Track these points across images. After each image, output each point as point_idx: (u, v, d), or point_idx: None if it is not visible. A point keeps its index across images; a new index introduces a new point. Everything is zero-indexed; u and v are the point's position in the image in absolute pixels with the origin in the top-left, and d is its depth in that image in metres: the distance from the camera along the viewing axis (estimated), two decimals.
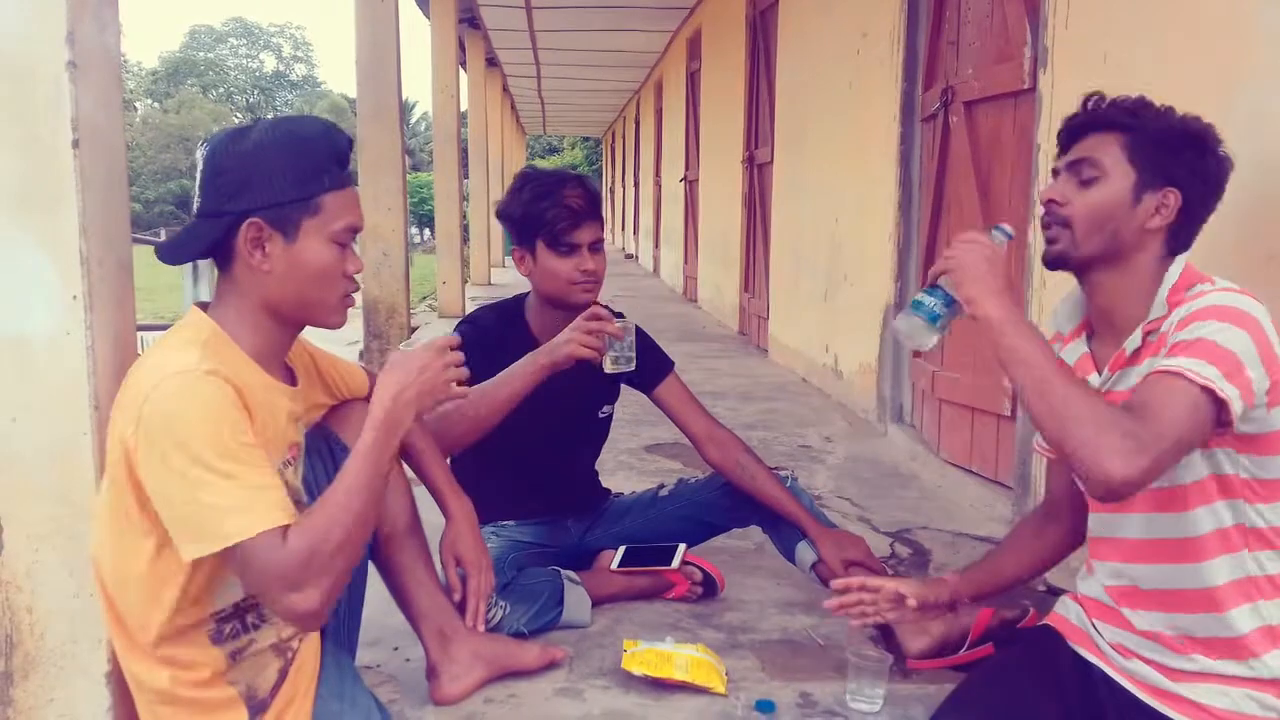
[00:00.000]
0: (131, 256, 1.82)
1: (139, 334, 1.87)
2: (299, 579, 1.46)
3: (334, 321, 1.68)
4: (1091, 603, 1.70)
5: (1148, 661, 1.59)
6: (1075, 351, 1.70)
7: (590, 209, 2.39)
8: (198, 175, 1.60)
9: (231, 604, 1.61)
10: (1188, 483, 1.52)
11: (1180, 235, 1.60)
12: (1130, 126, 1.60)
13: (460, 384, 1.74)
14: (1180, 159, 1.58)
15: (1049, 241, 1.65)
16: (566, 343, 2.22)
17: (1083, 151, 1.62)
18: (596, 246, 2.39)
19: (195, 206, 1.61)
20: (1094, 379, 1.63)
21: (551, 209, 2.34)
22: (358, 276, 1.69)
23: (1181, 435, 1.38)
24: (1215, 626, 1.53)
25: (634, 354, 2.26)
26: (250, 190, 1.56)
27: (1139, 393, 1.44)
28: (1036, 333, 1.50)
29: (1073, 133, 1.67)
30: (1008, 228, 1.67)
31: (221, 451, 1.45)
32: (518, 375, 2.25)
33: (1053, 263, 1.65)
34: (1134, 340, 1.57)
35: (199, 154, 1.60)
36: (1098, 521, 1.69)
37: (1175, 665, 1.56)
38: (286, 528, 1.47)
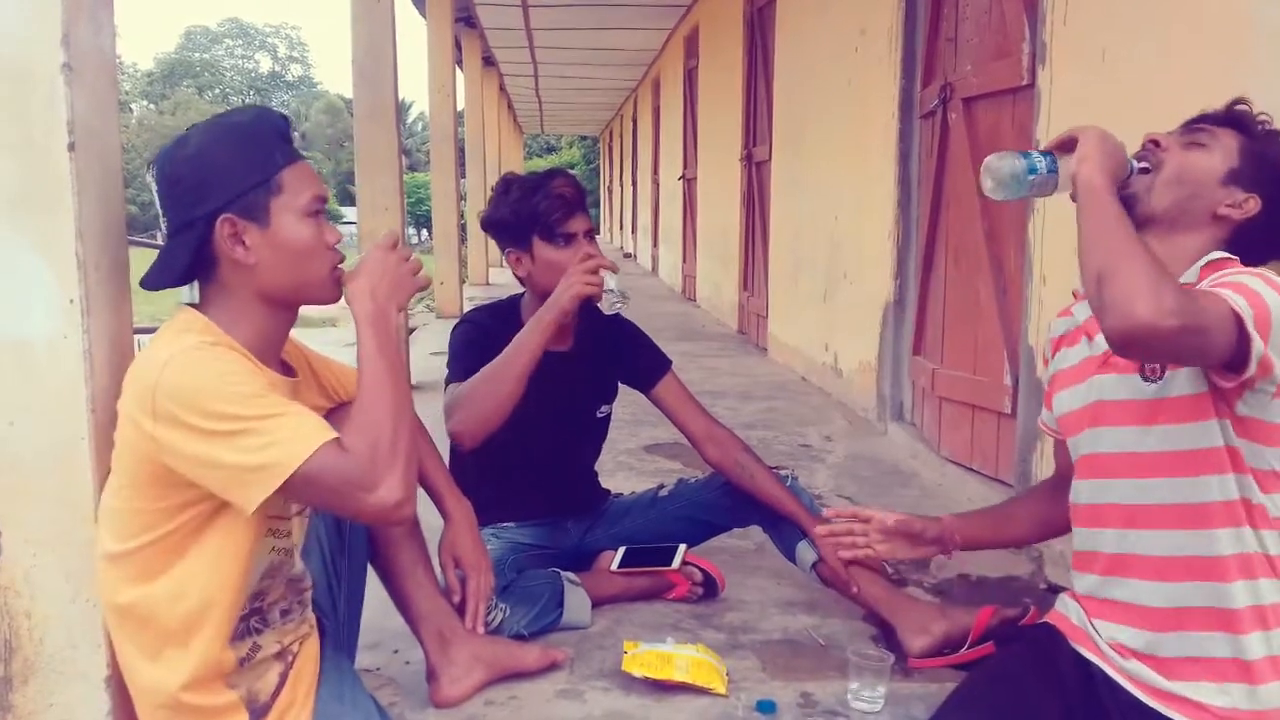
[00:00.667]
0: (128, 259, 1.81)
1: (136, 337, 1.86)
2: (373, 477, 1.49)
3: (329, 296, 1.68)
4: (1090, 601, 1.69)
5: (1145, 660, 1.58)
6: (1084, 310, 1.71)
7: (580, 198, 2.41)
8: (156, 197, 1.61)
9: (250, 605, 1.61)
10: (1195, 448, 1.53)
11: (1239, 240, 1.62)
12: (1257, 136, 1.65)
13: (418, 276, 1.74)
14: (1269, 150, 1.62)
15: (1143, 173, 1.67)
16: (569, 288, 2.24)
17: (1204, 127, 1.67)
18: (590, 235, 2.40)
19: (164, 227, 1.61)
20: (1100, 340, 1.64)
21: (543, 201, 2.35)
22: (340, 247, 1.68)
23: (1210, 326, 1.38)
24: (1212, 597, 1.53)
25: (628, 293, 2.27)
26: (210, 189, 1.57)
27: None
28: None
29: (1204, 120, 1.70)
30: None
31: (246, 402, 1.46)
32: (531, 336, 2.26)
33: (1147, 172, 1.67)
34: None
35: (149, 177, 1.61)
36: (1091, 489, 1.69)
37: (1167, 653, 1.56)
38: (338, 440, 1.49)
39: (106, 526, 1.59)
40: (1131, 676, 1.59)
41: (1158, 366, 1.57)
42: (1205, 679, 1.53)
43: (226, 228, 1.56)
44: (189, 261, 1.59)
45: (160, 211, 1.61)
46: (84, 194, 1.62)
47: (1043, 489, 2.02)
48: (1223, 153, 1.63)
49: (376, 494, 1.49)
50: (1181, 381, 1.54)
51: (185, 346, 1.49)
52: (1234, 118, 1.68)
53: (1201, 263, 1.59)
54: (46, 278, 1.62)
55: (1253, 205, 1.60)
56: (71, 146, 1.60)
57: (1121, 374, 1.62)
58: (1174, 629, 1.56)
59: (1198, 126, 1.67)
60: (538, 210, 2.35)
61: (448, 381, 2.37)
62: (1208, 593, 1.53)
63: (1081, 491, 1.71)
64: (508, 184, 2.45)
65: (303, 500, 1.58)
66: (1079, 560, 1.72)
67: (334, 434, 1.50)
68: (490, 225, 2.46)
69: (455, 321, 2.55)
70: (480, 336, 2.41)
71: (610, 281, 2.26)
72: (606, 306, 2.29)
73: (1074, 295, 1.82)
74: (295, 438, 1.46)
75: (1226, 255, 1.60)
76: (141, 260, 1.99)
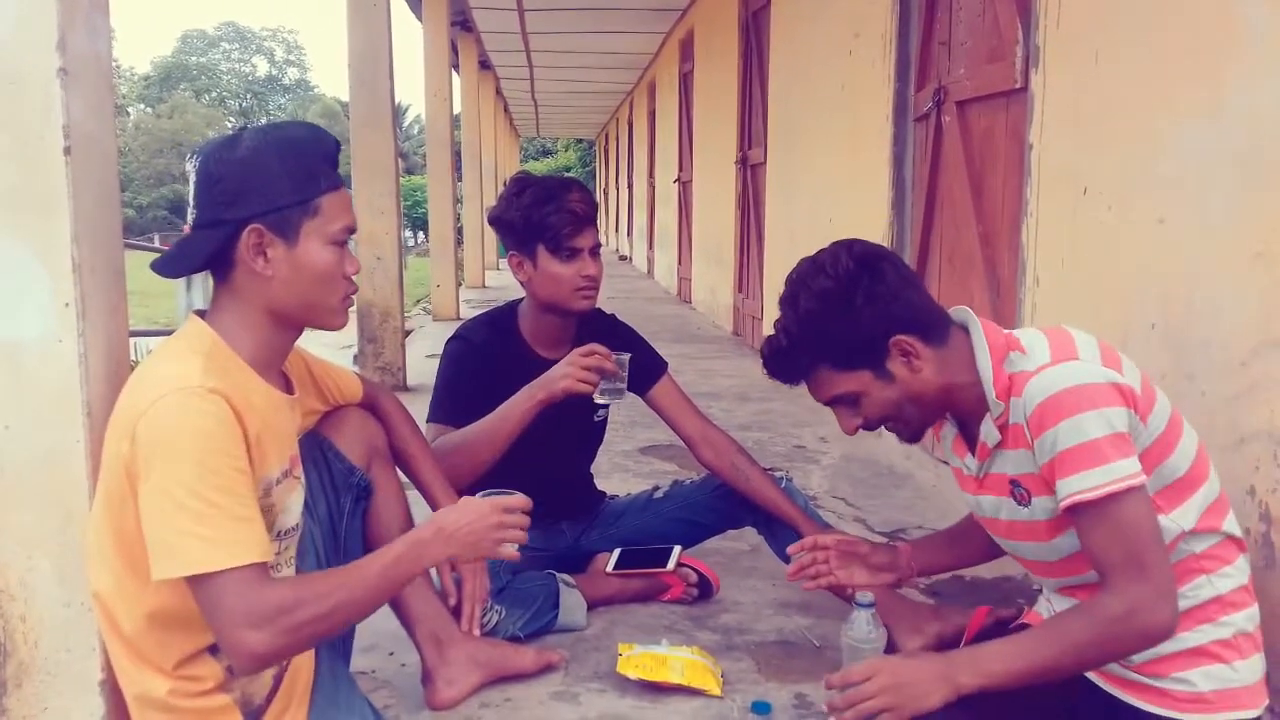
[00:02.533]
0: (124, 263, 1.82)
1: (133, 340, 1.87)
2: (264, 622, 1.44)
3: (336, 323, 1.70)
4: (1059, 600, 1.72)
5: None
6: (949, 435, 1.79)
7: (592, 214, 2.40)
8: (191, 187, 1.60)
9: None
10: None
11: (931, 331, 1.65)
12: (817, 357, 1.68)
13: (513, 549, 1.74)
14: (858, 325, 1.63)
15: (901, 438, 1.75)
16: (563, 377, 2.24)
17: (822, 393, 1.71)
18: (595, 251, 2.40)
19: (191, 218, 1.61)
20: (970, 461, 1.72)
21: (554, 214, 2.34)
22: (355, 278, 1.69)
23: (1152, 534, 1.47)
24: None
25: (625, 385, 2.27)
26: (248, 197, 1.56)
27: (1092, 544, 1.50)
28: (999, 652, 1.53)
29: (790, 383, 1.75)
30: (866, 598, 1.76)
31: (209, 478, 1.44)
32: (515, 410, 2.28)
33: (915, 440, 1.77)
34: (991, 434, 1.64)
35: (189, 166, 1.60)
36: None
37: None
38: (264, 565, 1.47)
39: (94, 557, 1.59)
40: (1101, 670, 1.63)
41: (1025, 493, 1.62)
42: (1167, 668, 1.56)
43: (253, 237, 1.57)
44: (207, 258, 1.60)
45: (191, 202, 1.61)
46: (80, 198, 1.63)
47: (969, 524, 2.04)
48: (856, 384, 1.66)
49: (249, 635, 1.44)
50: (1047, 505, 1.59)
51: (185, 384, 1.47)
52: (791, 370, 1.72)
53: (990, 392, 1.61)
54: (42, 281, 1.62)
55: (903, 345, 1.63)
56: (67, 151, 1.60)
57: (999, 497, 1.69)
58: None
59: (831, 401, 1.71)
60: (548, 222, 2.34)
61: (431, 410, 2.35)
62: None
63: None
64: (522, 186, 2.42)
65: (193, 593, 1.49)
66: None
67: (263, 556, 1.47)
68: (498, 224, 2.45)
69: (452, 330, 2.55)
70: (471, 363, 2.40)
71: (607, 377, 2.24)
72: (598, 397, 2.27)
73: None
74: (225, 543, 1.43)
75: (989, 351, 1.62)
76: (138, 263, 1.99)
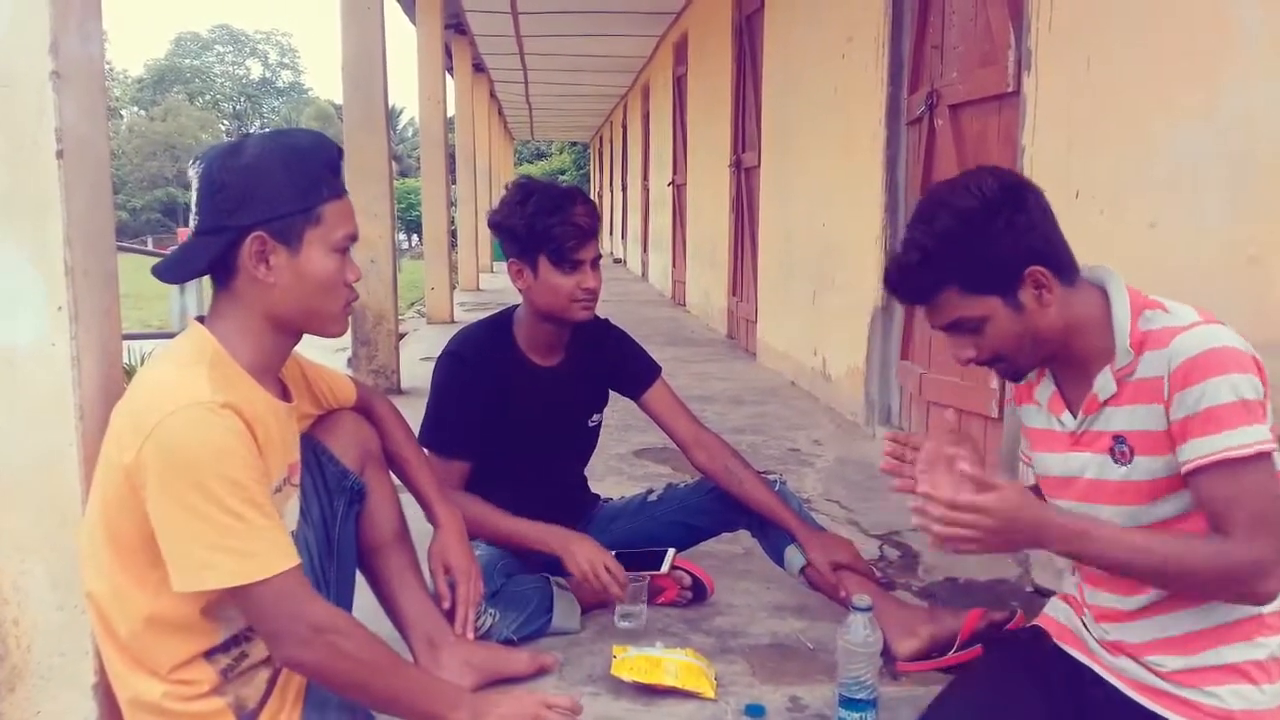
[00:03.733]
0: (117, 266, 1.82)
1: (126, 343, 1.87)
2: (309, 634, 1.52)
3: (335, 330, 1.70)
4: (1078, 602, 1.71)
5: (1132, 658, 1.59)
6: (1045, 391, 1.71)
7: (595, 226, 2.39)
8: (194, 193, 1.60)
9: (239, 630, 1.62)
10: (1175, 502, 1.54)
11: (1066, 270, 1.60)
12: (948, 277, 1.59)
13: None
14: (996, 248, 1.57)
15: (1003, 375, 1.69)
16: (576, 566, 2.30)
17: (943, 317, 1.63)
18: (596, 263, 2.39)
19: (193, 224, 1.61)
20: (1068, 419, 1.65)
21: (559, 226, 2.32)
22: (356, 285, 1.70)
23: None
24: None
25: (644, 611, 2.27)
26: (252, 204, 1.57)
27: (1224, 503, 1.44)
28: (1106, 537, 1.49)
29: (913, 303, 1.69)
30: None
31: (234, 492, 1.46)
32: (520, 532, 2.36)
33: (1018, 379, 1.71)
34: (1107, 386, 1.58)
35: (192, 171, 1.60)
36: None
37: (1159, 664, 1.56)
38: (298, 568, 1.53)
39: (89, 559, 1.59)
40: (1122, 674, 1.60)
41: (1129, 450, 1.56)
42: (1200, 680, 1.53)
43: (256, 244, 1.57)
44: (208, 263, 1.60)
45: (193, 207, 1.61)
46: (73, 201, 1.63)
47: None
48: (984, 309, 1.59)
49: (301, 645, 1.53)
50: (1151, 466, 1.54)
51: (196, 400, 1.48)
52: (920, 287, 1.64)
53: (1122, 340, 1.56)
54: (35, 284, 1.62)
55: (1036, 276, 1.56)
56: (60, 154, 1.60)
57: (1093, 454, 1.61)
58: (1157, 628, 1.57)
59: (951, 324, 1.63)
60: (553, 234, 2.32)
61: (425, 434, 2.33)
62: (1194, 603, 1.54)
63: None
64: (525, 193, 2.39)
65: (233, 602, 1.56)
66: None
67: (294, 562, 1.52)
68: (499, 230, 2.42)
69: (447, 334, 2.54)
70: (464, 386, 2.39)
71: (625, 605, 2.28)
72: (617, 621, 2.30)
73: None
74: (263, 551, 1.49)
75: (1129, 303, 1.58)
76: (132, 266, 1.99)
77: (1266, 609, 1.52)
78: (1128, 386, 1.55)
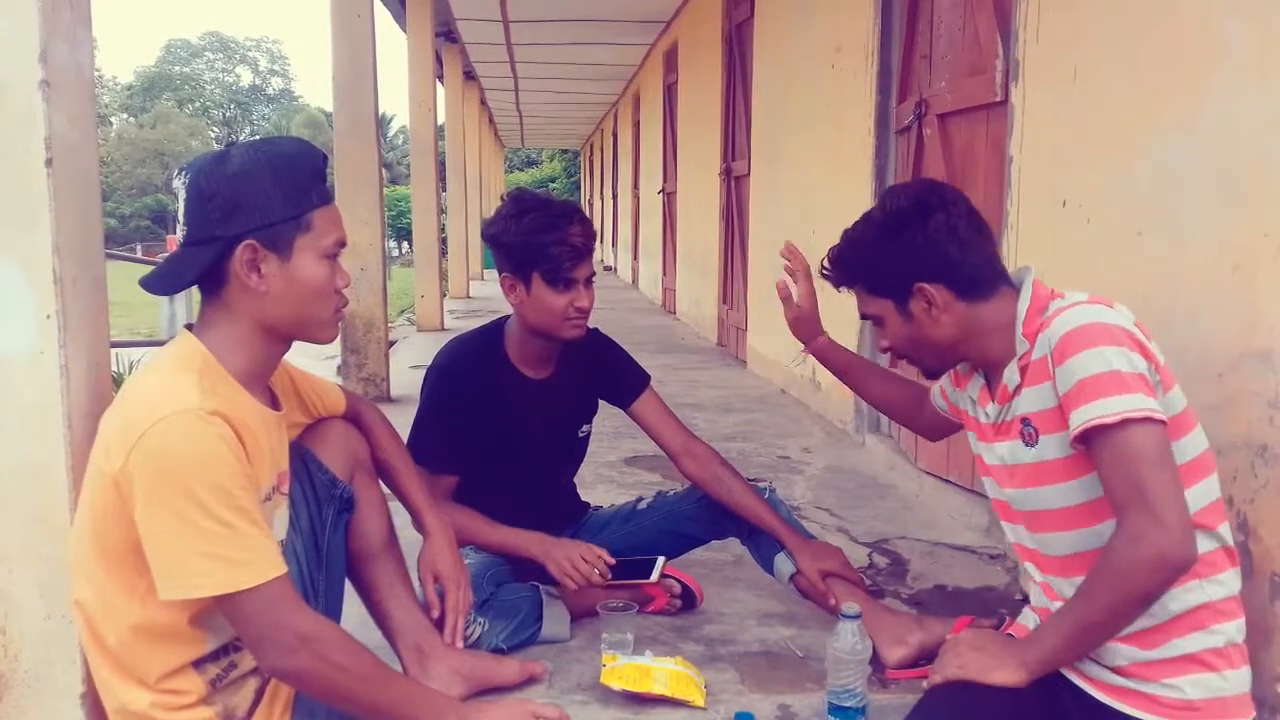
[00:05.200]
0: (105, 274, 1.81)
1: (115, 351, 1.87)
2: (295, 643, 1.52)
3: (326, 336, 1.71)
4: (1045, 613, 1.73)
5: (1097, 661, 1.63)
6: (976, 386, 1.83)
7: (592, 246, 2.38)
8: (181, 204, 1.60)
9: (227, 640, 1.62)
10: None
11: (967, 286, 1.73)
12: (854, 276, 1.85)
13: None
14: (889, 262, 1.77)
15: (926, 376, 1.91)
16: (556, 566, 2.34)
17: (860, 308, 1.87)
18: (590, 280, 2.38)
19: (181, 235, 1.61)
20: (992, 408, 1.77)
21: (556, 246, 2.30)
22: (346, 291, 1.70)
23: (1160, 465, 1.46)
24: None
25: (631, 642, 2.23)
26: (242, 213, 1.57)
27: (1105, 477, 1.52)
28: (1052, 625, 1.61)
29: (837, 287, 1.92)
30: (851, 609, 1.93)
31: (222, 499, 1.46)
32: (506, 540, 2.38)
33: (932, 377, 1.92)
34: (1013, 376, 1.70)
35: (177, 182, 1.60)
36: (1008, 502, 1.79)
37: (1110, 652, 1.60)
38: (285, 576, 1.53)
39: (76, 566, 1.59)
40: (1086, 675, 1.64)
41: (1034, 431, 1.66)
42: (1157, 674, 1.57)
43: (247, 253, 1.57)
44: (198, 274, 1.60)
45: (181, 219, 1.61)
46: (61, 209, 1.63)
47: (909, 391, 2.26)
48: (880, 309, 1.81)
49: (288, 653, 1.53)
50: (1057, 445, 1.63)
51: (185, 407, 1.48)
52: (834, 281, 1.90)
53: (1019, 329, 1.69)
54: (23, 293, 1.62)
55: (927, 293, 1.73)
56: (49, 162, 1.60)
57: (1010, 441, 1.72)
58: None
59: (865, 316, 1.87)
60: (549, 253, 2.30)
61: (413, 447, 2.25)
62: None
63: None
64: (521, 207, 2.36)
65: (221, 611, 1.55)
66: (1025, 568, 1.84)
67: (283, 570, 1.53)
68: (493, 243, 2.39)
69: (438, 342, 2.53)
70: (453, 400, 2.39)
71: (611, 628, 2.24)
72: (604, 647, 2.22)
73: (956, 376, 1.94)
74: (251, 560, 1.48)
75: (1031, 300, 1.70)
76: (121, 274, 1.99)
77: (1216, 595, 1.56)
78: (1030, 370, 1.67)
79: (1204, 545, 1.55)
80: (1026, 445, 1.68)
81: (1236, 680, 1.55)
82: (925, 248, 1.72)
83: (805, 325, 2.46)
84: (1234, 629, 1.57)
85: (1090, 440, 1.51)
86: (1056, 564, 1.69)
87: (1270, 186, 1.83)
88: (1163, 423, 1.48)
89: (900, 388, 2.30)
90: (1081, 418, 1.50)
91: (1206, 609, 1.55)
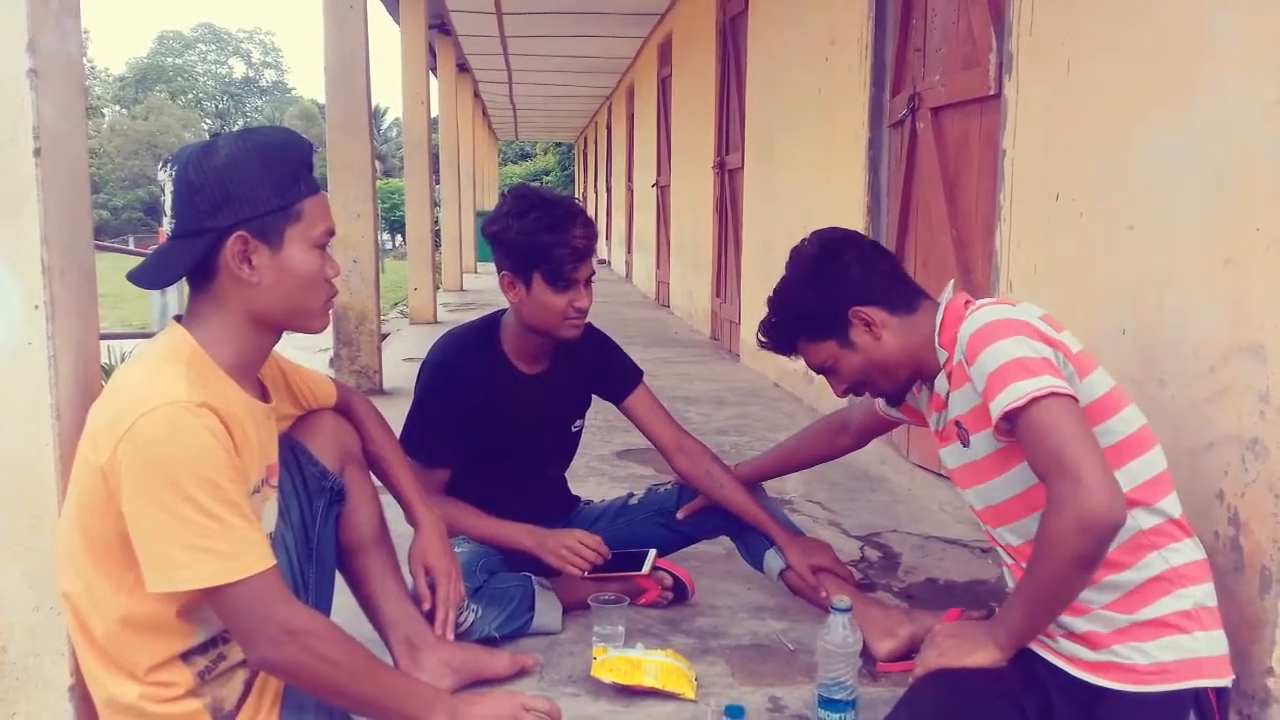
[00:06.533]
0: (94, 266, 1.80)
1: (105, 342, 1.86)
2: (282, 636, 1.51)
3: (317, 326, 1.71)
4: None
5: (1070, 637, 1.66)
6: (925, 397, 1.93)
7: (594, 247, 2.37)
8: (168, 196, 1.58)
9: (216, 632, 1.61)
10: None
11: (896, 302, 1.87)
12: (794, 332, 1.95)
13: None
14: (818, 303, 1.89)
15: (891, 403, 2.06)
16: (553, 555, 2.35)
17: (809, 361, 1.96)
18: (590, 280, 2.37)
19: (169, 228, 1.59)
20: (934, 417, 1.89)
21: (558, 248, 2.28)
22: (336, 281, 1.70)
23: (1075, 433, 1.51)
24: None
25: (622, 635, 2.23)
26: (231, 204, 1.56)
27: (1029, 459, 1.58)
28: (1011, 602, 1.65)
29: (783, 354, 2.00)
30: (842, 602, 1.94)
31: (210, 492, 1.45)
32: (499, 533, 2.39)
33: (895, 402, 2.05)
34: (942, 384, 1.83)
35: (163, 175, 1.59)
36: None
37: (1081, 628, 1.64)
38: (274, 569, 1.52)
39: (64, 558, 1.58)
40: (1063, 654, 1.67)
41: (965, 432, 1.76)
42: (1119, 640, 1.60)
43: (238, 245, 1.56)
44: (188, 267, 1.59)
45: (168, 211, 1.59)
46: (50, 200, 1.62)
47: (825, 430, 2.44)
48: (826, 353, 1.91)
49: (274, 645, 1.51)
50: (986, 443, 1.72)
51: (173, 399, 1.47)
52: (774, 349, 1.99)
53: (936, 342, 1.81)
54: (11, 284, 1.61)
55: (862, 316, 1.85)
56: (37, 152, 1.59)
57: (953, 445, 1.82)
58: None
59: (814, 370, 1.96)
60: (551, 254, 2.28)
61: (407, 442, 2.25)
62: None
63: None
64: (524, 206, 2.33)
65: (207, 603, 1.54)
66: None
67: (271, 563, 1.51)
68: (494, 241, 2.37)
69: (431, 335, 2.52)
70: (448, 395, 2.37)
71: (602, 621, 2.24)
72: (594, 640, 2.23)
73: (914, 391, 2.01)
74: (238, 553, 1.47)
75: (945, 314, 1.80)
76: (111, 265, 1.98)
77: (1177, 561, 1.61)
78: (953, 377, 1.77)
79: (1149, 520, 1.61)
80: (964, 446, 1.77)
81: (1208, 642, 1.58)
82: (848, 278, 1.87)
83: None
84: (1201, 593, 1.60)
85: (1012, 427, 1.58)
86: (1027, 549, 1.72)
87: (1261, 180, 1.83)
88: (1071, 397, 1.54)
89: (817, 434, 2.46)
90: (997, 408, 1.57)
91: (1170, 574, 1.60)
